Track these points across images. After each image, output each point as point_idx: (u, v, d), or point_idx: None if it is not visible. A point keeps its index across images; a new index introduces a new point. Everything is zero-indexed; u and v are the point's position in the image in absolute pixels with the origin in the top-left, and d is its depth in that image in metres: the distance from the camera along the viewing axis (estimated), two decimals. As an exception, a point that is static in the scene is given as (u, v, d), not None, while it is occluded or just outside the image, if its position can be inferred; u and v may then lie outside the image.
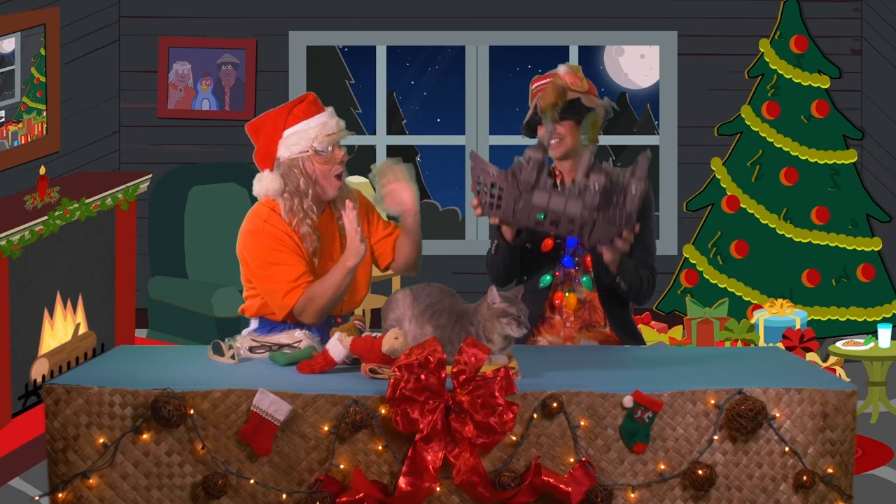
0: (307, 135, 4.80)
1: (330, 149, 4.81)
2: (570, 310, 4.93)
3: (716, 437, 4.13)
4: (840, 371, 7.35)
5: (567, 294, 4.93)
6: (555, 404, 4.08)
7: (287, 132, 4.81)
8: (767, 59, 9.22)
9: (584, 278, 4.93)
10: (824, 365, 7.36)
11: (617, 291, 4.89)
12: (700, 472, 4.11)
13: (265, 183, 4.85)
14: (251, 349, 4.55)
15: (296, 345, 4.54)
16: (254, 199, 5.00)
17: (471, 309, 4.33)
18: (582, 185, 4.51)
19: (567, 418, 4.11)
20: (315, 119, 4.83)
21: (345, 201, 4.91)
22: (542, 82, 4.91)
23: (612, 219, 4.51)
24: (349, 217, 4.71)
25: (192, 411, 4.09)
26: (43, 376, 7.17)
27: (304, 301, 4.74)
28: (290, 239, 4.79)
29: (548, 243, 4.92)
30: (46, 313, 7.26)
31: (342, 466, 4.09)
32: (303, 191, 4.80)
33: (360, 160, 9.42)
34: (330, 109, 4.89)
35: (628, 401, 4.12)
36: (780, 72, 9.19)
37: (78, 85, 9.21)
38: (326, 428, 4.09)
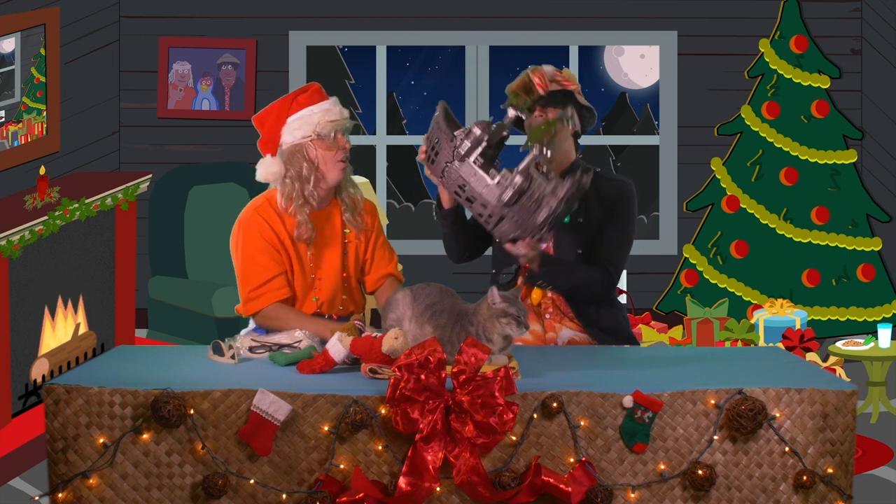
0: (310, 120, 4.83)
1: (333, 134, 4.84)
2: (535, 304, 4.91)
3: (716, 437, 4.13)
4: (840, 371, 7.34)
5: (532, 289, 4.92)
6: (555, 404, 4.08)
7: (291, 118, 4.85)
8: (767, 59, 9.21)
9: None
10: (824, 365, 7.35)
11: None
12: (700, 472, 4.11)
13: (266, 166, 4.89)
14: (251, 349, 4.55)
15: (296, 345, 4.54)
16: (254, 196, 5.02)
17: (471, 309, 4.33)
18: (505, 177, 4.51)
19: (567, 418, 4.10)
20: (318, 106, 4.86)
21: (350, 193, 4.94)
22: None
23: (520, 222, 4.51)
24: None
25: (192, 411, 4.09)
26: (43, 376, 7.16)
27: (267, 314, 4.83)
28: (275, 237, 4.82)
29: None
30: (47, 313, 7.26)
31: (342, 466, 4.09)
32: (305, 177, 4.82)
33: (360, 160, 9.42)
34: (334, 98, 4.93)
35: (628, 401, 4.11)
36: (780, 72, 9.18)
37: (78, 85, 9.21)
38: (326, 428, 4.08)
